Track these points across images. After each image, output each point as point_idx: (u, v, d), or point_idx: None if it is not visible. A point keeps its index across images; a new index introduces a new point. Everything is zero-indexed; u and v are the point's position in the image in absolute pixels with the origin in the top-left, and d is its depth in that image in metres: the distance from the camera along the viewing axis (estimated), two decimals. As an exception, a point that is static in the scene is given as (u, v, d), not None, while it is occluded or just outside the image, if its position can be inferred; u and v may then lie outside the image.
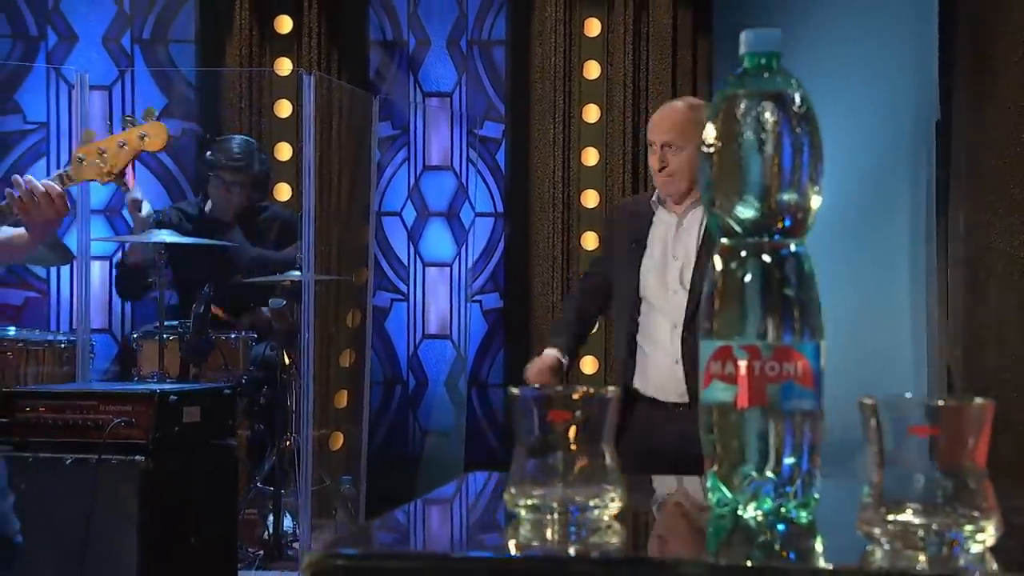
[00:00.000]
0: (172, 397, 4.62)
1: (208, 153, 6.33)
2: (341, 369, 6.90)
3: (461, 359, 7.30)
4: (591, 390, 1.51)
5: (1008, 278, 5.92)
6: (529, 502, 1.50)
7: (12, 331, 6.10)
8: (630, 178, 7.08)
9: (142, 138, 4.15)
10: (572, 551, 1.49)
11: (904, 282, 7.16)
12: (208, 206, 6.29)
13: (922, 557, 1.33)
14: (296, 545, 5.49)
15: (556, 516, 1.49)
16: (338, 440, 6.49)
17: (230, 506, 4.97)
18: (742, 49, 1.65)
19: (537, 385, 3.68)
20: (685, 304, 3.81)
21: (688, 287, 3.83)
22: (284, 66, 7.33)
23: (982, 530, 1.35)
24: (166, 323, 5.76)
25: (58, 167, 6.66)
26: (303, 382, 5.85)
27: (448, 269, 7.78)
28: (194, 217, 6.55)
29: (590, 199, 7.16)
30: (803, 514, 1.51)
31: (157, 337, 5.64)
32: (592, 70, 7.11)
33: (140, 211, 5.54)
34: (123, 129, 4.24)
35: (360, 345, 6.77)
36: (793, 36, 7.22)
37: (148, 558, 4.53)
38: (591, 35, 7.17)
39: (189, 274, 6.03)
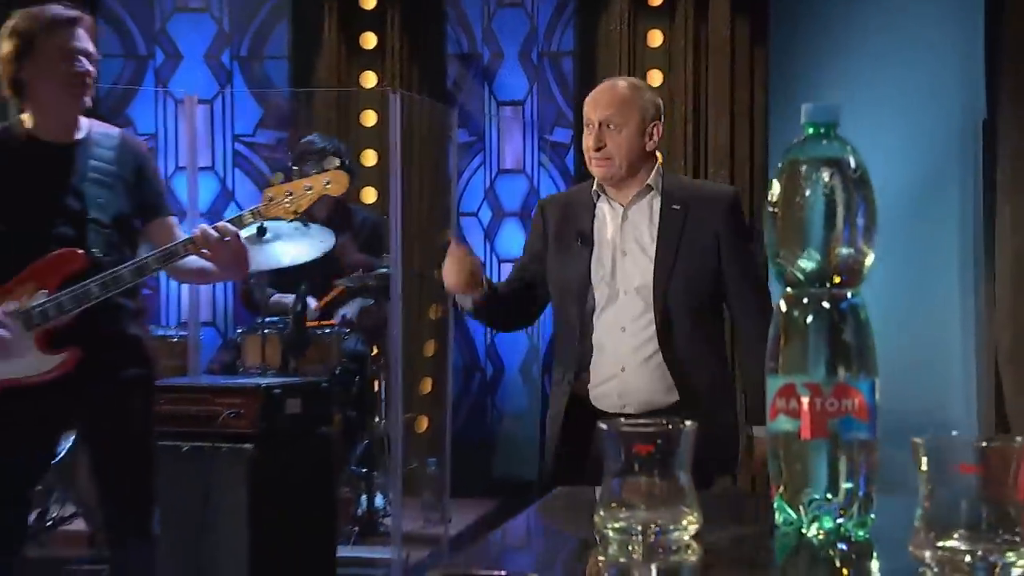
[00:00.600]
0: (276, 390, 4.85)
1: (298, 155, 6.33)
2: (425, 358, 7.04)
3: (534, 348, 7.39)
4: (670, 425, 1.55)
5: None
6: (616, 525, 1.54)
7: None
8: (690, 173, 7.01)
9: (327, 184, 4.35)
10: (655, 569, 1.55)
11: (953, 274, 6.93)
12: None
13: (968, 580, 1.49)
14: (387, 521, 5.59)
15: (640, 537, 1.52)
16: (423, 424, 6.63)
17: (328, 488, 5.11)
18: (803, 119, 1.66)
19: (457, 291, 3.48)
20: (642, 307, 3.36)
21: (648, 287, 3.36)
22: (369, 80, 7.47)
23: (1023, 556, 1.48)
24: (266, 320, 5.94)
25: (165, 175, 7.33)
26: (392, 372, 5.92)
27: None
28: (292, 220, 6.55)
29: None
30: (860, 533, 1.58)
31: (260, 333, 5.82)
32: (654, 79, 7.05)
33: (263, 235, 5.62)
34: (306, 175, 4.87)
35: (442, 336, 6.78)
36: (843, 42, 7.39)
37: (257, 536, 4.70)
38: (653, 46, 7.20)
39: (291, 274, 6.07)
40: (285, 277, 6.35)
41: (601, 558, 1.65)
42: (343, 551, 5.09)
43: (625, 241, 3.40)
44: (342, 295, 6.35)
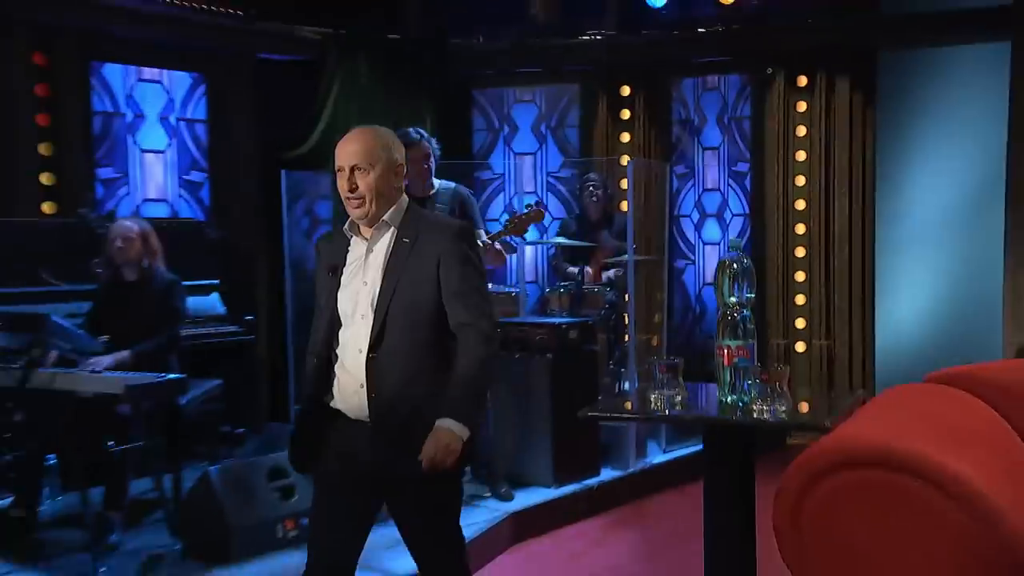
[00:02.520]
0: (564, 325, 6.02)
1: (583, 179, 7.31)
2: (655, 301, 7.42)
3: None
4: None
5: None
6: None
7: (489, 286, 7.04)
8: (822, 192, 7.54)
9: (537, 215, 5.51)
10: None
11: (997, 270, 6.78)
12: (578, 212, 7.30)
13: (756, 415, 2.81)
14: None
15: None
16: (654, 341, 7.10)
17: (594, 379, 6.06)
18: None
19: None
20: (370, 329, 2.90)
21: (374, 310, 2.92)
22: (624, 138, 8.20)
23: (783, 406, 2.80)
24: (563, 282, 6.89)
25: (505, 202, 8.53)
26: (629, 311, 6.57)
27: (716, 246, 8.46)
28: (577, 219, 7.43)
29: (800, 204, 7.67)
30: (743, 400, 2.88)
31: (559, 290, 6.78)
32: (800, 130, 7.65)
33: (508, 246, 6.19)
34: (526, 211, 5.55)
35: (664, 288, 7.43)
36: (927, 85, 7.57)
37: (556, 414, 5.80)
38: (800, 111, 7.66)
39: (579, 253, 7.06)
40: (575, 255, 7.26)
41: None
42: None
43: (367, 272, 2.97)
44: (606, 267, 7.12)
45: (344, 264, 2.99)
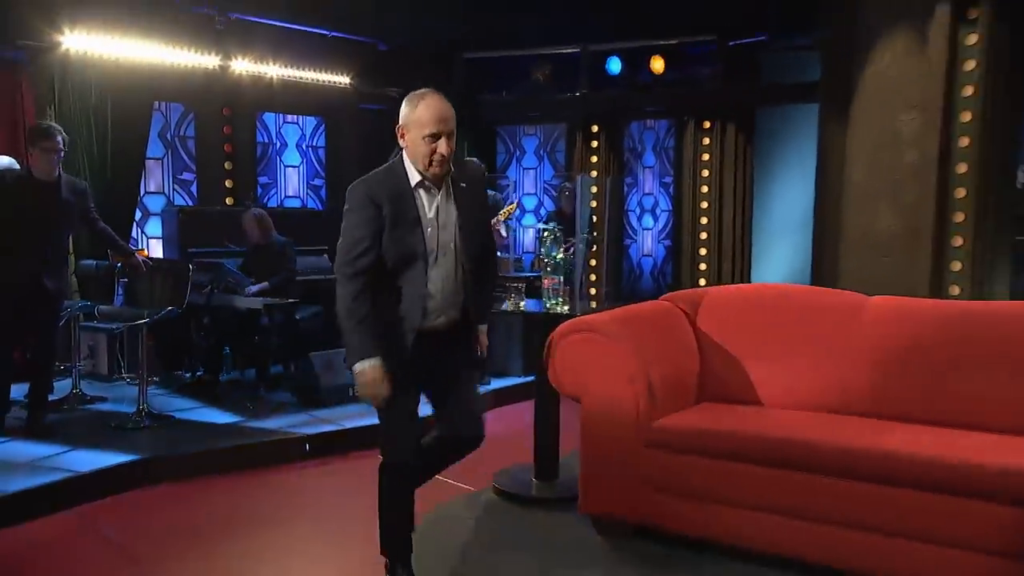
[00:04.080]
0: (533, 277, 5.07)
1: None
2: (594, 265, 7.40)
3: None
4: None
5: None
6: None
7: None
8: (718, 197, 7.56)
9: (512, 208, 5.49)
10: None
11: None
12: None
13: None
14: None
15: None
16: (592, 290, 7.12)
17: None
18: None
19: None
20: (456, 259, 2.69)
21: (458, 245, 2.69)
22: (593, 159, 7.94)
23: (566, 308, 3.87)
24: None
25: (516, 198, 8.22)
26: (577, 270, 5.64)
27: (650, 231, 8.52)
28: (557, 213, 7.00)
29: (704, 205, 7.68)
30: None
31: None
32: (704, 157, 7.50)
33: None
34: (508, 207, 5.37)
35: (605, 258, 7.55)
36: (786, 129, 7.51)
37: (525, 330, 6.19)
38: (704, 144, 7.58)
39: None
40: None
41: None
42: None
43: (443, 218, 2.69)
44: (570, 244, 6.20)
45: (416, 212, 2.62)
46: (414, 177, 2.62)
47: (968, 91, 5.17)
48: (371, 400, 2.61)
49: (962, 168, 5.24)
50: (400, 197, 2.60)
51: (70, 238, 5.01)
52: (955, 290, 5.23)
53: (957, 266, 5.29)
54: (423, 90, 2.63)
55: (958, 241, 5.30)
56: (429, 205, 2.65)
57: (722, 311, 3.56)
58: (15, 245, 4.54)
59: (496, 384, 6.10)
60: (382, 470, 2.77)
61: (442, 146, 2.55)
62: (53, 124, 4.89)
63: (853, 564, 2.79)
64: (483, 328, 2.86)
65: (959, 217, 5.27)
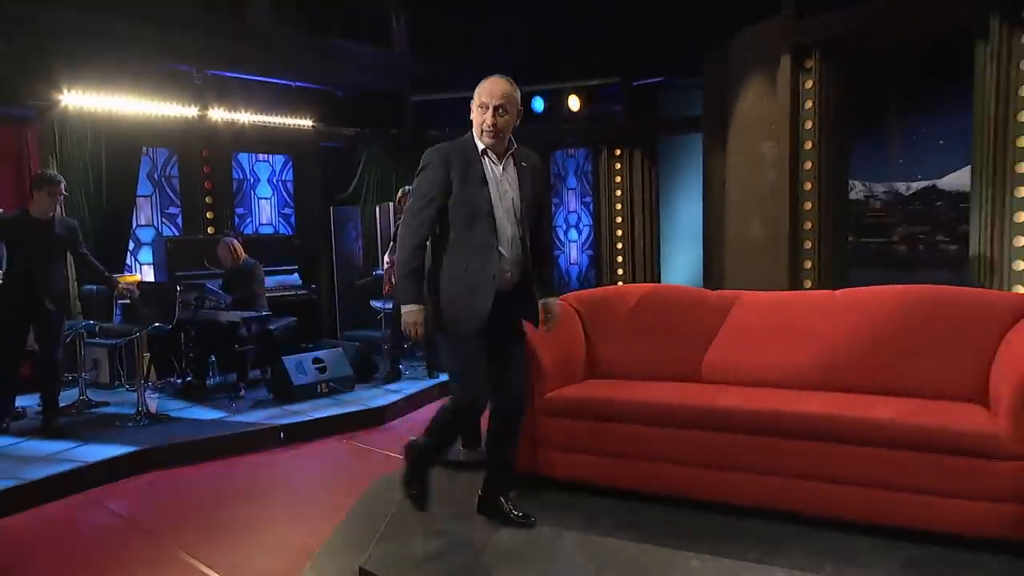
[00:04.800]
0: None
1: None
2: None
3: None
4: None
5: None
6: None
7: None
8: (630, 212, 7.69)
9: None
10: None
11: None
12: None
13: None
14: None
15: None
16: None
17: None
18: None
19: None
20: (518, 224, 2.67)
21: (518, 213, 2.68)
22: None
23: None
24: None
25: None
26: None
27: (575, 243, 8.51)
28: None
29: (619, 219, 7.84)
30: None
31: None
32: (617, 179, 7.67)
33: None
34: None
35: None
36: (683, 154, 7.64)
37: None
38: (616, 168, 7.72)
39: None
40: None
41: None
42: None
43: (503, 184, 2.70)
44: None
45: (484, 174, 2.62)
46: (480, 146, 2.65)
47: (808, 124, 5.75)
48: (411, 334, 2.63)
49: (808, 186, 5.82)
50: (469, 160, 2.62)
51: (67, 267, 5.09)
52: (807, 283, 5.75)
53: (808, 264, 5.83)
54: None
55: (808, 244, 5.82)
56: (493, 171, 2.65)
57: (605, 308, 3.79)
58: (21, 274, 4.74)
59: (443, 378, 6.06)
60: (448, 408, 2.71)
61: (489, 117, 2.59)
62: (58, 173, 5.10)
63: (689, 493, 3.09)
64: (554, 301, 2.81)
65: (808, 225, 5.84)
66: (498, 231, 2.61)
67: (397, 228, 5.75)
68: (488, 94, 2.60)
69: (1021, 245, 4.68)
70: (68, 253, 4.97)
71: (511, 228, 2.65)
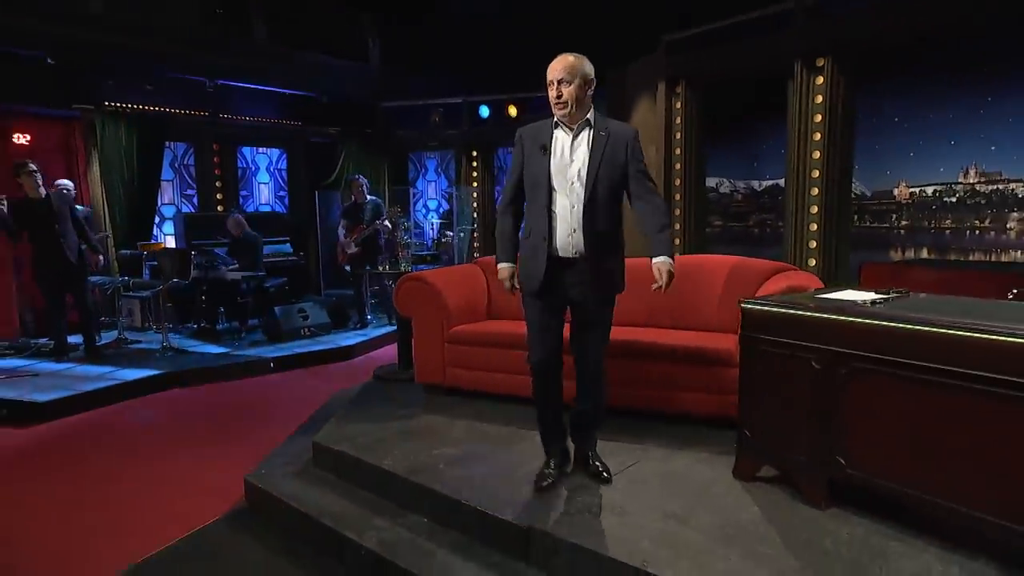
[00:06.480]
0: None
1: None
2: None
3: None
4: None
5: None
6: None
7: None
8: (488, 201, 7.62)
9: (393, 212, 5.22)
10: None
11: None
12: None
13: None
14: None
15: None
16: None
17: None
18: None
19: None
20: (582, 192, 2.35)
21: (583, 181, 2.36)
22: (474, 173, 8.06)
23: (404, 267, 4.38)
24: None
25: (421, 203, 7.51)
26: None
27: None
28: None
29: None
30: None
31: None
32: (473, 175, 7.72)
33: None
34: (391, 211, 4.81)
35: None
36: None
37: None
38: (473, 166, 7.87)
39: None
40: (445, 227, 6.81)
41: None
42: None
43: (573, 154, 2.41)
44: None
45: (550, 146, 2.40)
46: (554, 119, 2.45)
47: (677, 135, 6.32)
48: (506, 286, 2.49)
49: (678, 181, 6.38)
50: (541, 134, 2.44)
51: (73, 232, 5.04)
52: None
53: (677, 241, 6.19)
54: None
55: (678, 226, 6.28)
56: (562, 141, 2.41)
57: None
58: (41, 246, 4.96)
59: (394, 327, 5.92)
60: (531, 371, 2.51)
61: (553, 91, 2.37)
62: (30, 161, 5.01)
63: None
64: (662, 260, 2.36)
65: (677, 212, 6.37)
66: (554, 198, 2.39)
67: (343, 208, 6.09)
68: (550, 71, 2.40)
69: (813, 229, 5.28)
70: (69, 221, 4.99)
71: (571, 195, 2.38)
